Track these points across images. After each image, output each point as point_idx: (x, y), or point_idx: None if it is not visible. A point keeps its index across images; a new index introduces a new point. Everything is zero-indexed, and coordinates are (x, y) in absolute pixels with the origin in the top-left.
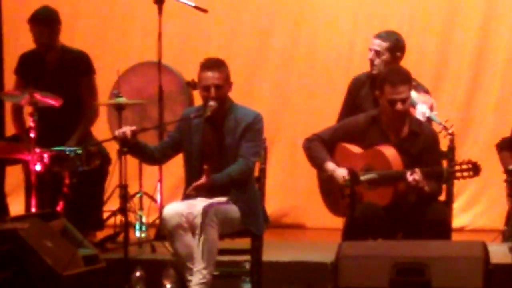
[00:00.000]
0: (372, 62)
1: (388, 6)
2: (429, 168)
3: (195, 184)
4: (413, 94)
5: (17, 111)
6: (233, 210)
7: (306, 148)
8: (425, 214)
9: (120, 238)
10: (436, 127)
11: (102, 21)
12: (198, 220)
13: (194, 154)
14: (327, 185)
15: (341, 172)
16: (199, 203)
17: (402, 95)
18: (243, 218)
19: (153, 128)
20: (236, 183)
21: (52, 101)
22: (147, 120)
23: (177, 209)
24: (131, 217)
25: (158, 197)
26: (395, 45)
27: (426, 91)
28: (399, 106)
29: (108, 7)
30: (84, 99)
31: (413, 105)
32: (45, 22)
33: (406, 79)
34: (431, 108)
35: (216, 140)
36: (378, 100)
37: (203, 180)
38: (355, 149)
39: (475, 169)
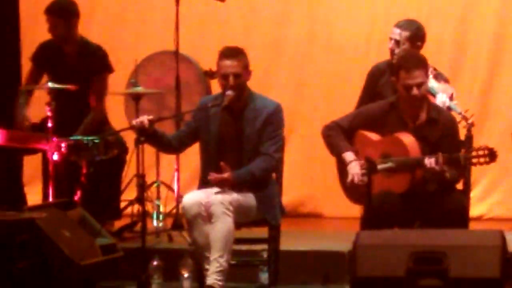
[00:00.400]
0: (392, 51)
1: None
2: (447, 155)
3: (215, 177)
4: (434, 83)
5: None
6: (249, 198)
7: (326, 135)
8: (443, 202)
9: (138, 227)
10: (456, 117)
11: (120, 10)
12: (214, 208)
13: (211, 144)
14: (345, 171)
15: (354, 168)
16: (217, 194)
17: (417, 80)
18: (259, 207)
19: (171, 118)
20: (258, 180)
21: (69, 88)
22: (164, 110)
23: (196, 198)
24: (148, 206)
25: (175, 187)
26: (416, 35)
27: (446, 80)
28: (414, 91)
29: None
30: (92, 95)
31: (433, 94)
32: (60, 14)
33: (421, 64)
34: (451, 98)
35: (234, 130)
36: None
37: (225, 175)
38: (374, 136)
39: (491, 155)
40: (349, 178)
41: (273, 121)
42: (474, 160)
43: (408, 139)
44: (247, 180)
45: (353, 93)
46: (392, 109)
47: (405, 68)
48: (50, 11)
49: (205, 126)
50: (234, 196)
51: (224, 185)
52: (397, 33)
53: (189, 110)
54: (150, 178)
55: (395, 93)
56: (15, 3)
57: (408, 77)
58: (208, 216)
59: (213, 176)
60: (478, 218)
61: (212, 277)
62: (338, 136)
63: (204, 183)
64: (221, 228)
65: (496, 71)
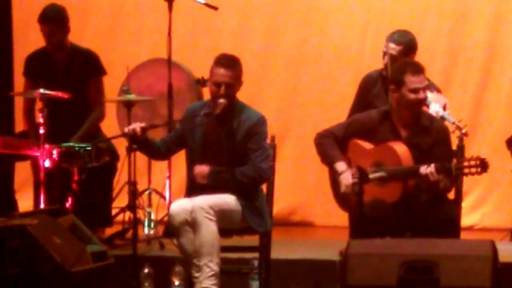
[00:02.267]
0: (386, 66)
1: (399, 5)
2: (439, 164)
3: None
4: (427, 93)
5: (29, 108)
6: (231, 202)
7: (318, 143)
8: (434, 212)
9: (129, 234)
10: (450, 127)
11: (113, 17)
12: (195, 214)
13: (196, 151)
14: (336, 180)
15: (347, 179)
16: (199, 199)
17: (424, 83)
18: (244, 213)
19: (163, 125)
20: (240, 185)
21: (61, 95)
22: (156, 117)
23: (183, 205)
24: (140, 213)
25: (167, 194)
26: (409, 47)
27: (439, 90)
28: (421, 94)
29: (119, 3)
30: (92, 100)
31: (427, 104)
32: (56, 21)
33: (423, 69)
34: (444, 107)
35: (218, 139)
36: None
37: (204, 167)
38: (367, 145)
39: (483, 165)
40: (342, 189)
41: (255, 132)
42: (466, 170)
43: (400, 148)
44: (227, 179)
45: (345, 101)
46: (385, 118)
47: (412, 72)
48: (46, 19)
49: (190, 133)
50: (215, 200)
51: (203, 177)
52: (391, 48)
53: (181, 118)
54: (141, 185)
55: (387, 102)
56: (8, 11)
57: (416, 81)
58: (193, 224)
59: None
60: (470, 228)
61: (205, 282)
62: (331, 144)
63: (190, 190)
64: (205, 233)
65: (487, 81)
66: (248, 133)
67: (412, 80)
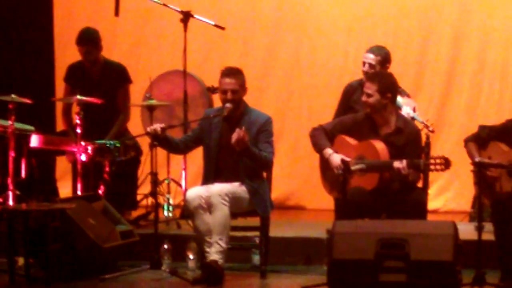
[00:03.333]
0: (366, 73)
1: (375, 25)
2: (409, 160)
3: (238, 135)
4: (399, 98)
5: (67, 110)
6: (242, 191)
7: (311, 135)
8: (405, 198)
9: (151, 216)
10: (419, 125)
11: (137, 36)
12: (213, 199)
13: (212, 148)
14: (325, 164)
15: (336, 160)
16: (216, 186)
17: (373, 89)
18: (251, 201)
19: (179, 126)
20: (259, 163)
21: (95, 101)
22: (174, 119)
23: (197, 192)
24: (160, 199)
25: (183, 183)
26: (385, 59)
27: (409, 96)
28: (369, 99)
29: (142, 24)
30: (120, 105)
31: (399, 107)
32: (90, 43)
33: (371, 78)
34: (414, 110)
35: (229, 138)
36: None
37: (242, 133)
38: (351, 140)
39: (446, 164)
40: (333, 167)
41: (264, 129)
42: (432, 167)
43: (379, 145)
44: (256, 154)
45: (331, 105)
46: (367, 119)
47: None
48: (82, 41)
49: (207, 133)
50: (230, 188)
51: (242, 143)
52: (370, 58)
53: (194, 120)
54: (161, 175)
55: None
56: (50, 26)
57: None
58: (207, 207)
59: (238, 133)
60: (435, 211)
61: (214, 256)
62: (321, 135)
63: (205, 180)
64: (219, 216)
65: (449, 88)
66: (259, 130)
67: (366, 86)
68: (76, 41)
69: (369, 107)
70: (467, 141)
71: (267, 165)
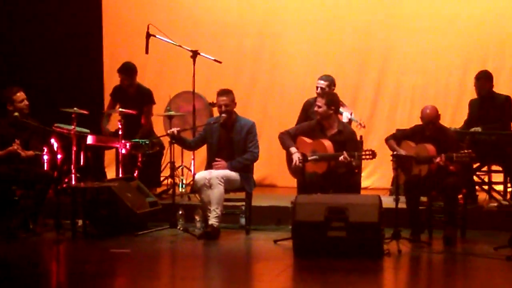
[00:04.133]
0: (319, 94)
1: (327, 58)
2: (348, 152)
3: (218, 165)
4: (341, 109)
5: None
6: (233, 175)
7: (280, 137)
8: (346, 179)
9: (170, 192)
10: (355, 123)
11: (161, 65)
12: (213, 181)
13: (213, 145)
14: (290, 157)
15: (296, 156)
16: (215, 172)
17: (321, 102)
18: (241, 181)
19: (189, 129)
20: (245, 165)
21: (130, 112)
22: (186, 125)
23: (202, 175)
24: (176, 180)
25: (192, 168)
26: (331, 83)
27: (347, 106)
28: (319, 109)
29: (164, 57)
30: (145, 116)
31: (341, 113)
32: (126, 73)
33: (323, 96)
34: (351, 114)
35: (227, 138)
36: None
37: (223, 164)
38: (307, 140)
39: (373, 154)
40: (294, 162)
41: (251, 132)
42: (363, 157)
43: (327, 143)
44: (238, 167)
45: (294, 116)
46: (317, 124)
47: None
48: (121, 72)
49: (210, 135)
50: (224, 173)
51: (221, 168)
52: (321, 84)
53: (200, 125)
54: (177, 163)
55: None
56: (101, 60)
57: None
58: (209, 185)
59: (216, 164)
60: (365, 188)
61: (212, 220)
62: (287, 137)
63: (208, 167)
64: (217, 192)
65: (377, 103)
66: (247, 132)
67: (318, 100)
68: (117, 70)
69: (319, 115)
70: (387, 139)
71: (252, 162)
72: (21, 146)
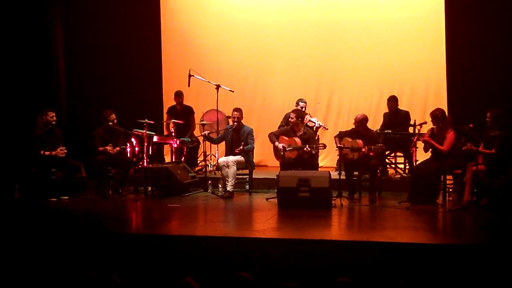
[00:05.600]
0: (293, 111)
1: (305, 85)
2: (311, 145)
3: (237, 152)
4: (310, 117)
5: (167, 126)
6: (242, 159)
7: (269, 136)
8: (309, 162)
9: (203, 170)
10: (321, 127)
11: (198, 93)
12: (229, 163)
13: (228, 142)
14: (276, 148)
15: (280, 147)
16: (231, 157)
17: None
18: (246, 163)
19: (215, 132)
20: (248, 151)
21: (180, 121)
22: (213, 129)
23: (223, 159)
24: (207, 162)
25: (217, 155)
26: (305, 104)
27: (311, 115)
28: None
29: (199, 89)
30: (190, 124)
31: (312, 121)
32: (178, 98)
33: (298, 113)
34: (317, 121)
35: (236, 138)
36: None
37: (240, 150)
38: (285, 138)
39: (324, 146)
40: (280, 150)
41: (250, 134)
42: (319, 148)
43: (297, 139)
44: (246, 150)
45: (277, 123)
46: (291, 128)
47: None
48: (176, 96)
49: (227, 136)
50: (236, 158)
51: (240, 151)
52: (302, 104)
53: (221, 129)
54: (208, 152)
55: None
56: (161, 85)
57: (292, 116)
58: (227, 166)
59: (237, 149)
60: (321, 167)
61: (229, 187)
62: (273, 136)
63: (226, 155)
64: (231, 170)
65: (329, 110)
66: (247, 134)
67: (291, 115)
68: (174, 93)
69: (291, 123)
70: (335, 137)
71: (250, 150)
72: (112, 145)
